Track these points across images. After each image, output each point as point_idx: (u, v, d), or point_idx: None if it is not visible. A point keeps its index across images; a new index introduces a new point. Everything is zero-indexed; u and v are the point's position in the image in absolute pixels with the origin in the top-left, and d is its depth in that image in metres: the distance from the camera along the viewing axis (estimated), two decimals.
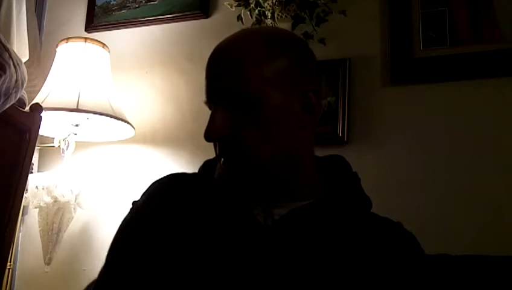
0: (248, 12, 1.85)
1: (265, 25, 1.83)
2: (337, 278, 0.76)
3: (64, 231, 1.86)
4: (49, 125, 1.90)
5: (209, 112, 0.84)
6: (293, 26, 1.82)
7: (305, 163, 0.85)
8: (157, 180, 0.92)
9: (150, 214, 0.86)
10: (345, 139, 1.72)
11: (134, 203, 0.91)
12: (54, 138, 1.97)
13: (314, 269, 0.76)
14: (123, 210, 0.92)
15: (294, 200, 0.83)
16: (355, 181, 0.90)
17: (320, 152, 0.93)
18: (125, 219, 0.90)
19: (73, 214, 1.87)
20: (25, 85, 1.36)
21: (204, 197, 0.84)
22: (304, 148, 0.85)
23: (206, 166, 0.91)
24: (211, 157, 0.91)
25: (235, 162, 0.80)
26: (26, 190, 1.70)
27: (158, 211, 0.85)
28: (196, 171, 0.93)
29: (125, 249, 0.86)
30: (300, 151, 0.84)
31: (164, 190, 0.89)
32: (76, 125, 1.90)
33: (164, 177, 0.92)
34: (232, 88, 0.79)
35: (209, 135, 0.80)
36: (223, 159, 0.81)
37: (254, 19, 1.84)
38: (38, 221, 1.87)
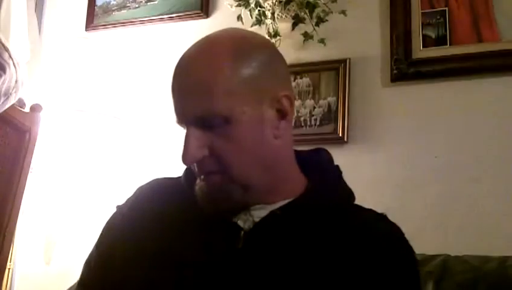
0: (248, 12, 1.85)
1: (265, 25, 1.83)
2: (320, 280, 0.75)
3: (65, 231, 1.87)
4: (49, 125, 1.90)
5: None
6: (293, 26, 1.82)
7: (282, 169, 0.84)
8: (141, 186, 0.92)
9: (131, 217, 0.86)
10: (345, 139, 1.72)
11: (118, 207, 0.91)
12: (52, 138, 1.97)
13: (296, 271, 0.75)
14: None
15: (275, 201, 0.82)
16: (336, 174, 0.89)
17: None
18: (107, 221, 0.91)
19: (72, 214, 1.87)
20: (25, 85, 1.36)
21: (185, 203, 0.84)
22: (281, 154, 0.83)
23: (189, 169, 0.89)
24: None
25: (216, 178, 0.78)
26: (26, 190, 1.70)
27: (139, 215, 0.85)
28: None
29: (102, 251, 0.87)
30: (277, 158, 0.82)
31: (147, 195, 0.89)
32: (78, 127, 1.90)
33: (148, 182, 0.92)
34: (201, 108, 0.76)
35: (186, 160, 0.78)
36: (202, 176, 0.80)
37: (254, 19, 1.84)
38: (39, 221, 1.87)
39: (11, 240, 1.51)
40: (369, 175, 1.65)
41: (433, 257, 1.23)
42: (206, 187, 0.79)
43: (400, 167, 1.67)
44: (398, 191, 1.64)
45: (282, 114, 0.81)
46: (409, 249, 0.83)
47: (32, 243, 2.01)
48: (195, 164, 0.79)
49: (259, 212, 0.81)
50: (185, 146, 0.78)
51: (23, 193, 1.48)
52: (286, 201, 0.82)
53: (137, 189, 0.92)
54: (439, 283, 1.17)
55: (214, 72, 0.77)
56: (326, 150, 0.92)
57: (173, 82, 0.82)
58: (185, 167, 0.86)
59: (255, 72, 0.78)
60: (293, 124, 0.86)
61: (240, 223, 0.80)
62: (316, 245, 0.78)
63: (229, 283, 0.75)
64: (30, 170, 1.57)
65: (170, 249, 0.79)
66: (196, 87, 0.77)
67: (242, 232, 0.79)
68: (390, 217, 0.87)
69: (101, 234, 0.90)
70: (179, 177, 0.91)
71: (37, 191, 1.97)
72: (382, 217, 0.86)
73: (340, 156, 0.95)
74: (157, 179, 0.93)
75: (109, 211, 0.90)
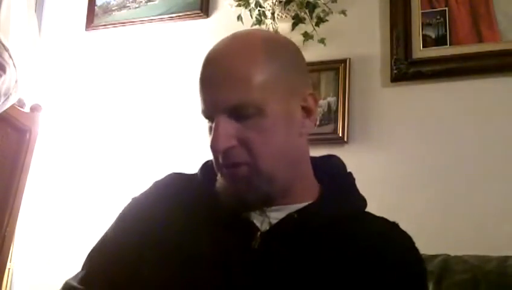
0: (248, 12, 1.85)
1: (265, 25, 1.83)
2: (333, 283, 0.76)
3: (65, 231, 1.87)
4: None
5: None
6: (293, 26, 1.82)
7: (303, 167, 0.85)
8: (157, 180, 0.92)
9: (144, 211, 0.86)
10: (345, 139, 1.72)
11: (133, 199, 0.91)
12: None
13: (312, 275, 0.76)
14: (123, 203, 0.93)
15: (291, 203, 0.82)
16: (351, 181, 0.90)
17: (320, 152, 0.93)
18: (120, 212, 0.91)
19: (73, 213, 1.87)
20: (25, 85, 1.36)
21: (200, 199, 0.84)
22: (302, 153, 0.85)
23: (205, 167, 0.90)
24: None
25: (242, 171, 0.78)
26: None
27: (153, 209, 0.85)
28: (193, 170, 0.93)
29: (113, 241, 0.87)
30: (299, 156, 0.84)
31: (162, 190, 0.89)
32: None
33: (164, 177, 0.92)
34: (236, 98, 0.77)
35: (216, 147, 0.77)
36: (226, 170, 0.80)
37: (254, 19, 1.84)
38: (39, 221, 1.87)
39: (11, 240, 1.50)
40: (369, 175, 1.64)
41: (433, 256, 1.23)
42: (231, 179, 0.79)
43: (399, 167, 1.67)
44: (398, 190, 1.64)
45: (307, 112, 0.83)
46: (420, 259, 0.84)
47: (32, 243, 2.01)
48: (220, 155, 0.79)
49: (276, 214, 0.81)
50: (214, 134, 0.78)
51: (23, 193, 1.48)
52: (302, 204, 0.82)
53: (153, 183, 0.92)
54: (439, 283, 1.17)
55: (249, 64, 0.78)
56: (338, 157, 0.93)
57: (204, 72, 0.81)
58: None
59: (286, 69, 0.81)
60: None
61: (257, 223, 0.80)
62: (331, 250, 0.78)
63: (243, 283, 0.75)
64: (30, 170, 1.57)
65: (183, 245, 0.79)
66: (232, 76, 0.78)
67: (259, 233, 0.79)
68: (391, 217, 0.88)
69: (114, 224, 0.90)
70: (195, 173, 0.91)
71: (37, 191, 1.97)
72: (394, 226, 0.86)
73: (340, 156, 0.95)
74: (173, 174, 0.93)
75: (109, 211, 0.90)
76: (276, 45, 0.83)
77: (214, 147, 0.78)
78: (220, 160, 0.80)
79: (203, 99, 0.81)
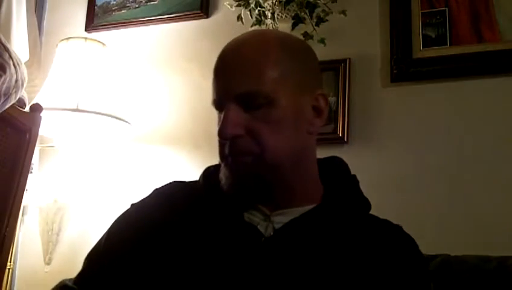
0: (248, 12, 1.85)
1: (265, 25, 1.83)
2: (337, 287, 0.75)
3: (65, 231, 1.87)
4: (49, 125, 1.90)
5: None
6: (293, 26, 1.82)
7: (309, 167, 0.86)
8: (158, 188, 0.92)
9: (143, 217, 0.86)
10: (345, 139, 1.72)
11: (132, 205, 0.91)
12: (53, 138, 1.97)
13: (316, 278, 0.76)
14: (122, 209, 0.93)
15: (295, 206, 0.82)
16: (354, 184, 0.90)
17: (320, 152, 0.93)
18: (118, 218, 0.90)
19: (73, 214, 1.87)
20: (25, 85, 1.36)
21: (202, 207, 0.83)
22: (310, 151, 0.86)
23: (207, 173, 0.90)
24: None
25: (247, 160, 0.79)
26: (26, 189, 1.71)
27: (153, 216, 0.85)
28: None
29: (110, 246, 0.87)
30: (306, 154, 0.84)
31: (163, 197, 0.89)
32: (76, 125, 1.90)
33: (165, 184, 0.92)
34: (249, 86, 0.78)
35: (224, 133, 0.78)
36: (231, 158, 0.80)
37: (254, 19, 1.84)
38: (38, 221, 1.87)
39: (11, 240, 1.50)
40: (369, 175, 1.62)
41: (433, 256, 1.23)
42: (235, 167, 0.80)
43: (399, 167, 1.67)
44: (398, 191, 1.64)
45: (317, 112, 0.84)
46: (424, 263, 0.85)
47: (32, 243, 2.00)
48: (227, 144, 0.80)
49: (280, 218, 0.81)
50: (223, 120, 0.79)
51: (23, 193, 1.48)
52: (305, 208, 0.82)
53: (154, 190, 0.92)
54: (440, 283, 1.17)
55: (264, 57, 0.80)
56: (342, 159, 0.93)
57: (219, 61, 0.83)
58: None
59: (299, 67, 0.82)
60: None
61: (261, 228, 0.80)
62: (335, 255, 0.78)
63: (247, 289, 0.75)
64: (30, 170, 1.57)
65: (184, 251, 0.79)
66: (246, 66, 0.79)
67: (263, 238, 0.79)
68: (390, 217, 0.88)
69: (111, 229, 0.90)
70: (197, 180, 0.91)
71: (37, 191, 1.97)
72: (398, 228, 0.87)
73: (340, 156, 0.95)
74: (174, 182, 0.93)
75: (109, 212, 0.90)
76: (291, 43, 0.85)
77: (221, 133, 0.79)
78: (226, 149, 0.80)
79: (215, 87, 0.82)
